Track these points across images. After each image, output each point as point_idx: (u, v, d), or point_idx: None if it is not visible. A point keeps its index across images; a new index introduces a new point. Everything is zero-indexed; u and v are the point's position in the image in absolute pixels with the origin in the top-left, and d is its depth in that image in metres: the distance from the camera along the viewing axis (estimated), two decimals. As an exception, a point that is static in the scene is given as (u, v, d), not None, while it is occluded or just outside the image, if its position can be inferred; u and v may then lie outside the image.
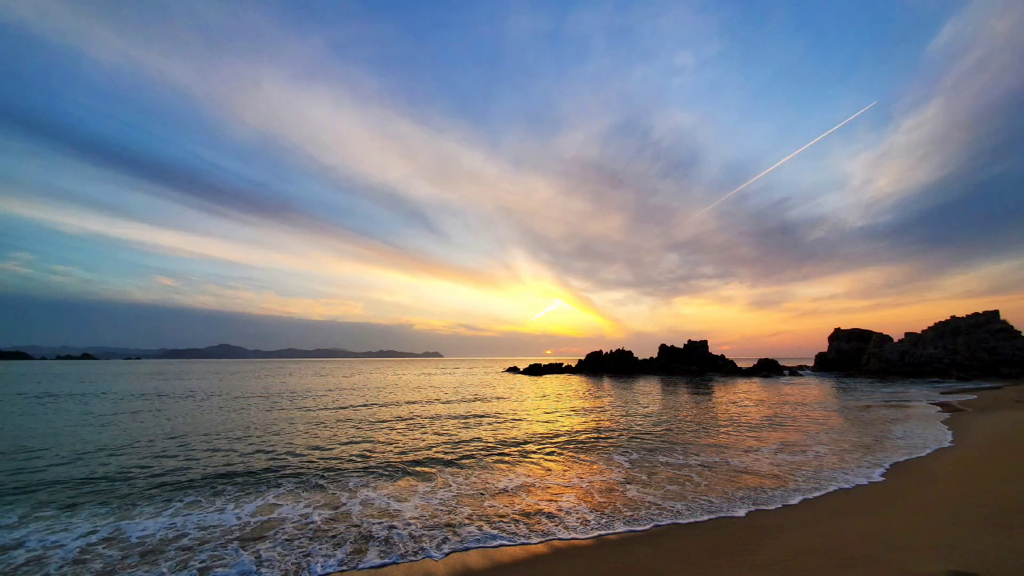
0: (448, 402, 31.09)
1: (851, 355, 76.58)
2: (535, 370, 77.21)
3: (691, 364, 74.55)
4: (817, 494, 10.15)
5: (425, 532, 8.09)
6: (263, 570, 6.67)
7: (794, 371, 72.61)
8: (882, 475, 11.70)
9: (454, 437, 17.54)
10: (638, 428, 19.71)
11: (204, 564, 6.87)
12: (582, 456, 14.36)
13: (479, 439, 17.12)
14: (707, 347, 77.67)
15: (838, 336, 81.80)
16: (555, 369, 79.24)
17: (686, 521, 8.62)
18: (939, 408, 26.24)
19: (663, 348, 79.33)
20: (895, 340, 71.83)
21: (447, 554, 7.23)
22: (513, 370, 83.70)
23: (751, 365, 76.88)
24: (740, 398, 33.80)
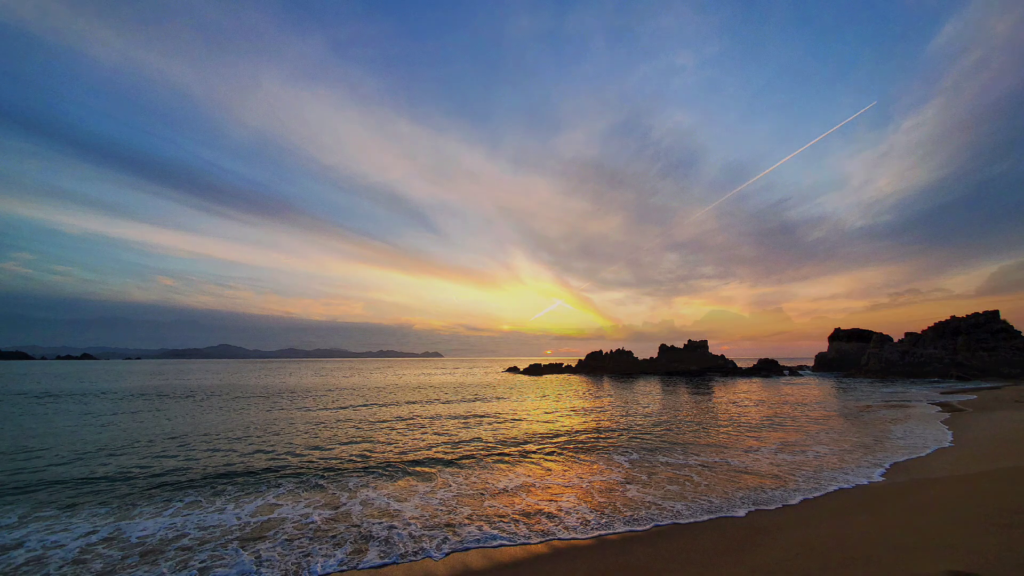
0: (448, 402, 31.09)
1: (851, 355, 76.56)
2: (535, 370, 77.22)
3: (691, 364, 74.51)
4: (817, 494, 10.15)
5: (425, 532, 8.09)
6: (263, 570, 6.67)
7: (794, 371, 72.60)
8: (882, 475, 11.70)
9: (454, 437, 17.53)
10: (638, 428, 19.70)
11: (204, 564, 6.87)
12: (582, 456, 14.35)
13: (479, 439, 17.11)
14: (707, 347, 77.64)
15: (838, 336, 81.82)
16: (555, 369, 79.26)
17: (686, 521, 8.61)
18: (939, 408, 26.24)
19: (663, 348, 79.32)
20: (895, 340, 71.85)
21: (447, 554, 7.23)
22: (513, 370, 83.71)
23: (751, 365, 76.85)
24: (740, 398, 33.79)
